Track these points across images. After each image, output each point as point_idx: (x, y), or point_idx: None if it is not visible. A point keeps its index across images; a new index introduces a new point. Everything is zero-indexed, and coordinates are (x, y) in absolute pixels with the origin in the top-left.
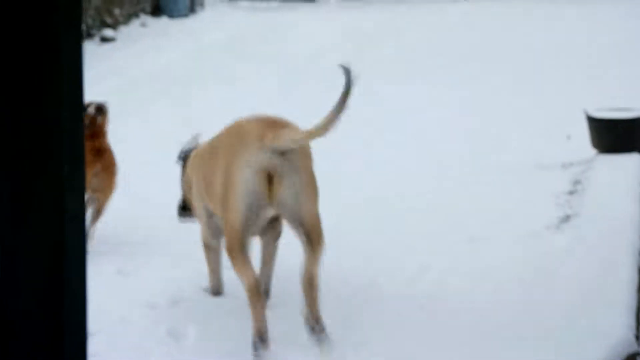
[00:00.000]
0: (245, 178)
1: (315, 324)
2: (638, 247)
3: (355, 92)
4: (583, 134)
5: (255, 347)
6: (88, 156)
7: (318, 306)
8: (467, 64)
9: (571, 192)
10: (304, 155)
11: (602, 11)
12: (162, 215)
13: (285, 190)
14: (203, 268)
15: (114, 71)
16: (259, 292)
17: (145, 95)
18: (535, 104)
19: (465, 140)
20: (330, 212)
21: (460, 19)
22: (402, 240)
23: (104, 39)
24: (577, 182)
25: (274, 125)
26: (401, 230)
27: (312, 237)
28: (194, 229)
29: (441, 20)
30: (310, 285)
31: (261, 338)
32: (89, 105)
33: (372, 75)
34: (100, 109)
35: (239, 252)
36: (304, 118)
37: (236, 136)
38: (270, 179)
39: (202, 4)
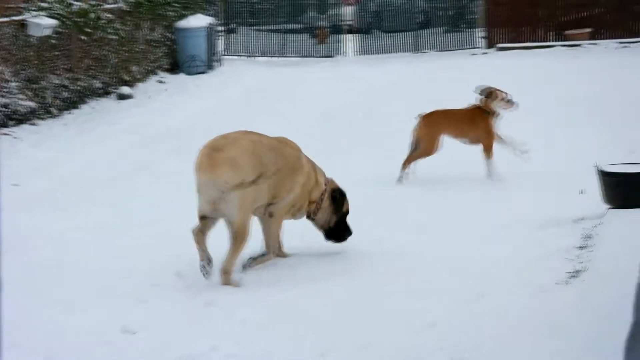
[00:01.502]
0: None
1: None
2: None
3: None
4: (596, 188)
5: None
6: None
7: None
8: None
9: (582, 247)
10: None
11: (625, 63)
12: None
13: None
14: None
15: (131, 128)
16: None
17: (161, 152)
18: (550, 157)
19: (478, 194)
20: None
21: (475, 72)
22: (412, 295)
23: (122, 96)
24: (587, 237)
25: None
26: (413, 286)
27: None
28: None
29: (459, 73)
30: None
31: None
32: None
33: (382, 129)
34: None
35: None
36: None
37: None
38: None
39: (219, 60)
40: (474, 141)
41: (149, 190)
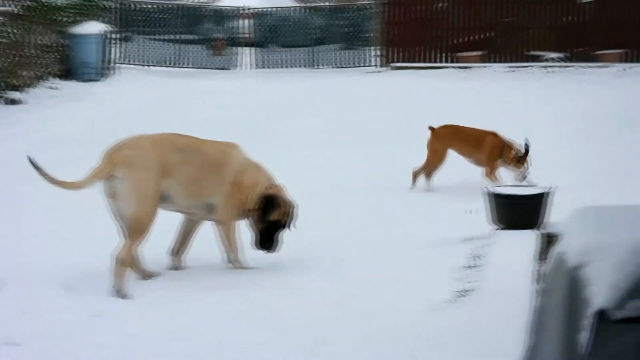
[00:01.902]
0: None
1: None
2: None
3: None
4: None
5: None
6: None
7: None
8: (372, 136)
9: (470, 267)
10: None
11: (512, 86)
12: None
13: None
14: None
15: (20, 134)
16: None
17: (49, 160)
18: (439, 177)
19: (368, 212)
20: None
21: (370, 90)
22: (301, 311)
23: (11, 101)
24: (476, 257)
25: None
26: (301, 300)
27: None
28: None
29: (354, 91)
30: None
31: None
32: None
33: (279, 142)
34: None
35: None
36: None
37: None
38: None
39: (113, 68)
40: (478, 163)
41: (33, 200)
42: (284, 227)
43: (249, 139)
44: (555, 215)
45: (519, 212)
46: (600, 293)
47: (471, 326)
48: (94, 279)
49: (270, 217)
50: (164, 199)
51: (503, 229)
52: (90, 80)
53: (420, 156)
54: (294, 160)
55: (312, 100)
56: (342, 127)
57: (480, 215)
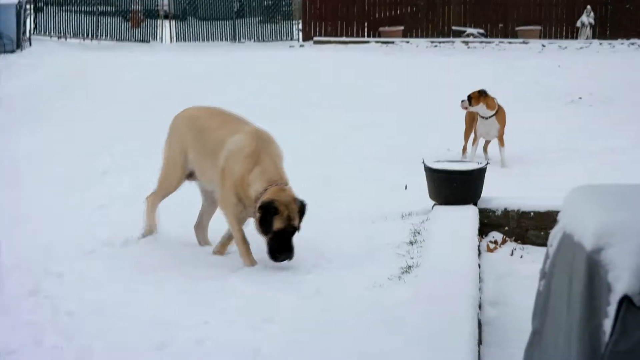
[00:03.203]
0: None
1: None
2: (477, 300)
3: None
4: (422, 183)
5: None
6: None
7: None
8: (302, 109)
9: (411, 243)
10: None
11: (434, 60)
12: None
13: None
14: None
15: None
16: None
17: None
18: (373, 153)
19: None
20: None
21: (293, 63)
22: (252, 290)
23: None
24: (416, 233)
25: None
26: (253, 280)
27: None
28: None
29: (276, 65)
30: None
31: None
32: None
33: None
34: None
35: None
36: (138, 161)
37: None
38: None
39: (28, 40)
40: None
41: None
42: (293, 232)
43: (167, 114)
44: (487, 190)
45: (456, 187)
46: (623, 278)
47: (418, 302)
48: (27, 257)
49: (274, 227)
50: (191, 174)
51: (441, 204)
52: (5, 52)
53: (341, 128)
54: None
55: (233, 74)
56: (262, 101)
57: (417, 190)
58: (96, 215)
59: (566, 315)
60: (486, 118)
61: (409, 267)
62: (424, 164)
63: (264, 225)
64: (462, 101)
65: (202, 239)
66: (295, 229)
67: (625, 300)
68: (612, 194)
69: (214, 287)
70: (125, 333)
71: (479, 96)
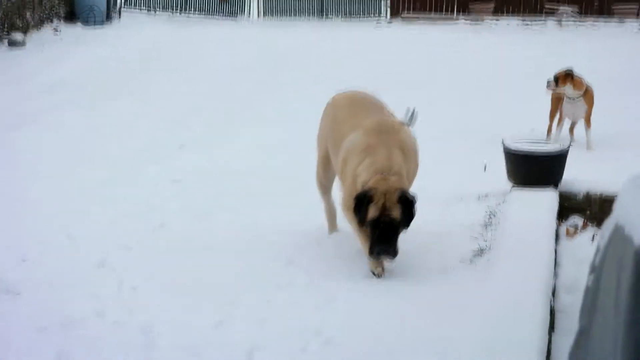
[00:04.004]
0: None
1: None
2: (551, 286)
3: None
4: (500, 165)
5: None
6: None
7: None
8: (385, 88)
9: (485, 225)
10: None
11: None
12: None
13: None
14: None
15: (22, 77)
16: None
17: (52, 103)
18: (453, 133)
19: None
20: None
21: (382, 44)
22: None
23: (13, 43)
24: (492, 215)
25: None
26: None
27: None
28: None
29: (363, 44)
30: None
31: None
32: None
33: (283, 92)
34: None
35: None
36: (216, 139)
37: None
38: None
39: (118, 13)
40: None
41: (37, 144)
42: (391, 223)
43: (248, 90)
44: (570, 173)
45: (536, 169)
46: None
47: (486, 287)
48: (98, 229)
49: (368, 217)
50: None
51: (520, 185)
52: (95, 24)
53: (424, 106)
54: (298, 109)
55: (318, 52)
56: (344, 78)
57: (495, 172)
58: (169, 189)
59: (614, 315)
60: (573, 99)
61: (482, 250)
62: (503, 144)
63: (359, 215)
64: (548, 82)
65: (331, 225)
66: (393, 220)
67: None
68: None
69: (279, 268)
70: (187, 310)
71: (566, 77)
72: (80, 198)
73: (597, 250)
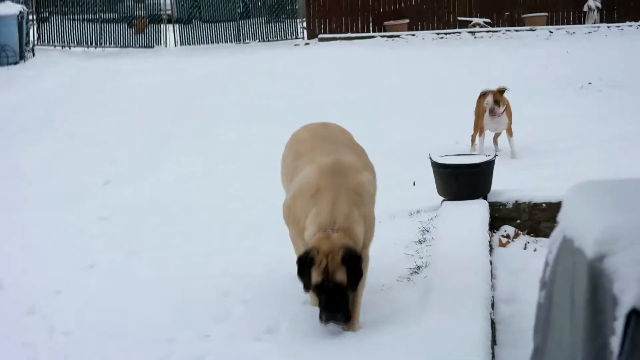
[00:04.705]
0: None
1: None
2: (490, 299)
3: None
4: (427, 180)
5: None
6: None
7: None
8: (307, 109)
9: (420, 242)
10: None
11: (439, 53)
12: None
13: None
14: None
15: None
16: None
17: None
18: (379, 149)
19: None
20: None
21: (299, 63)
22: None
23: None
24: (425, 231)
25: None
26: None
27: None
28: None
29: (283, 64)
30: None
31: None
32: None
33: (204, 120)
34: None
35: None
36: (141, 172)
37: None
38: None
39: (32, 51)
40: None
41: None
42: (335, 288)
43: (169, 120)
44: (497, 184)
45: (464, 181)
46: (630, 289)
47: (426, 305)
48: (25, 275)
49: (311, 280)
50: None
51: (450, 199)
52: (9, 63)
53: (348, 125)
54: (218, 135)
55: (236, 76)
56: (265, 102)
57: (424, 187)
58: (96, 227)
59: (570, 331)
60: (498, 115)
61: (418, 267)
62: (431, 159)
63: (303, 279)
64: (491, 109)
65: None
66: (338, 284)
67: (634, 315)
68: (617, 191)
69: (215, 300)
70: (124, 352)
71: (501, 94)
72: (4, 243)
73: (546, 264)
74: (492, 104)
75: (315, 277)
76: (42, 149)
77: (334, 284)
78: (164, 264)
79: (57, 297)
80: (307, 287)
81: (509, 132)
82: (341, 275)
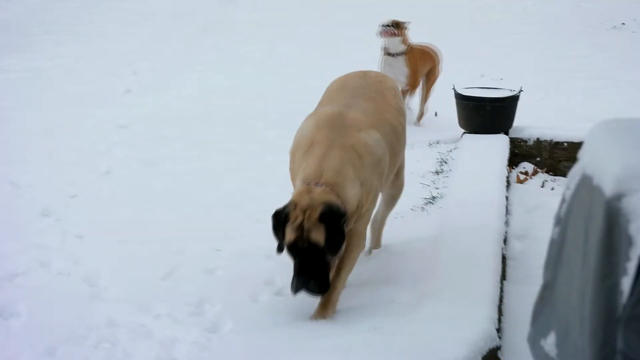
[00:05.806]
0: None
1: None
2: (502, 234)
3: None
4: (452, 110)
5: None
6: None
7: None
8: (331, 32)
9: (437, 172)
10: None
11: None
12: None
13: None
14: None
15: None
16: None
17: None
18: None
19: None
20: None
21: None
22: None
23: None
24: (443, 162)
25: None
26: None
27: None
28: None
29: None
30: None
31: None
32: None
33: (230, 37)
34: None
35: None
36: (168, 81)
37: None
38: None
39: None
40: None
41: None
42: (311, 249)
43: (195, 31)
44: (519, 120)
45: (486, 115)
46: None
47: (438, 236)
48: (41, 177)
49: (285, 238)
50: None
51: (471, 132)
52: None
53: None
54: (247, 53)
55: None
56: (294, 23)
57: (446, 118)
58: (115, 135)
59: (581, 269)
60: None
61: (434, 197)
62: (455, 90)
63: (276, 237)
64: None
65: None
66: (313, 245)
67: None
68: None
69: (227, 215)
70: (134, 260)
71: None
72: (23, 145)
73: (563, 201)
74: (388, 23)
75: (289, 234)
76: (66, 52)
77: (309, 243)
78: (180, 177)
79: (72, 201)
80: (280, 247)
81: (412, 89)
82: (317, 235)
